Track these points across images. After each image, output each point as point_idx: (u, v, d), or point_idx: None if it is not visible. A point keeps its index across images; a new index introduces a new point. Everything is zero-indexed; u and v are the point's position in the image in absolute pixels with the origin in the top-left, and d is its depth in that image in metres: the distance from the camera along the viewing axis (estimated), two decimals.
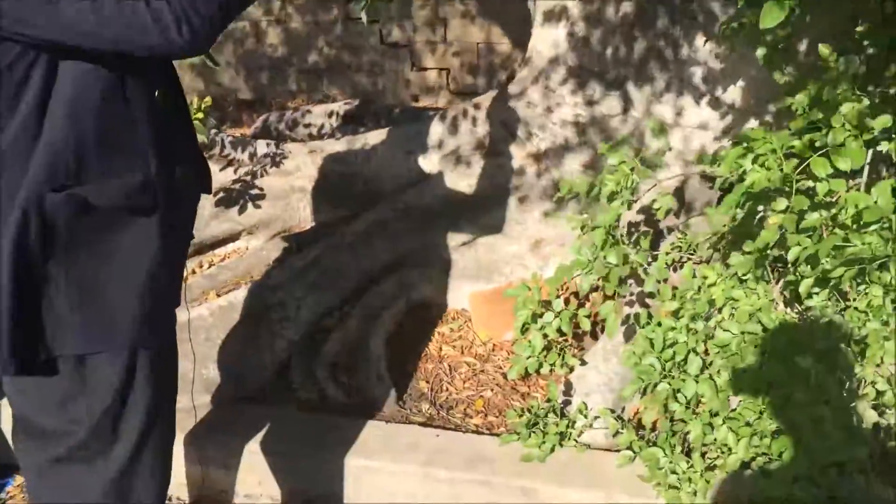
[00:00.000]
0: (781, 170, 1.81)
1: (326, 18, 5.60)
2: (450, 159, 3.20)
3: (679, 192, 2.85)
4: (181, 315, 1.85)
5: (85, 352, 1.44)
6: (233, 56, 5.78)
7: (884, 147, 1.87)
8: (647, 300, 2.62)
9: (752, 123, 2.75)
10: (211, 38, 1.33)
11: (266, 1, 5.64)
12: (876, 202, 1.76)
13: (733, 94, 2.72)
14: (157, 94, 1.45)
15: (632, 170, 2.35)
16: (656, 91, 2.83)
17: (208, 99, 3.23)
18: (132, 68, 1.37)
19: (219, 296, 2.89)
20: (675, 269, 2.61)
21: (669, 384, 2.15)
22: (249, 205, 3.36)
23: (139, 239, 1.43)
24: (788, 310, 2.18)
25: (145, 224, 1.43)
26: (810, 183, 1.89)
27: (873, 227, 1.73)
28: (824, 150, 1.83)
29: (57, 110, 1.30)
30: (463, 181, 3.16)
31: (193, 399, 2.37)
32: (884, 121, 1.80)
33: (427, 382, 2.77)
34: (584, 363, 2.63)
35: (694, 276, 2.40)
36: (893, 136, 1.82)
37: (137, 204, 1.40)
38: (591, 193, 2.46)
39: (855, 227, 1.76)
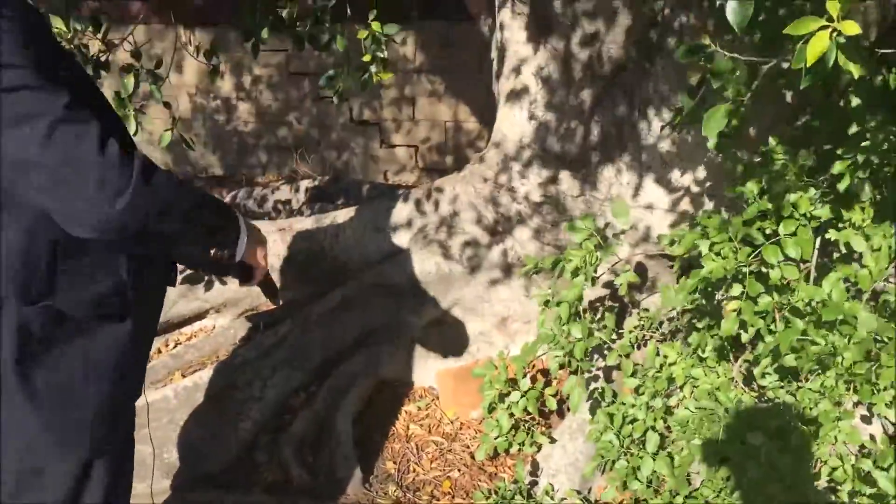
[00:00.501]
0: (736, 257, 1.88)
1: (297, 95, 5.71)
2: (418, 237, 3.25)
3: (641, 268, 2.92)
4: (140, 400, 1.84)
5: (45, 462, 1.43)
6: (204, 132, 5.86)
7: (831, 235, 1.95)
8: (614, 376, 2.66)
9: (708, 203, 2.84)
10: (129, 228, 1.21)
11: (237, 77, 5.75)
12: (829, 295, 1.83)
13: (689, 175, 2.82)
14: None
15: (595, 247, 2.41)
16: (616, 172, 2.92)
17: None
18: None
19: (184, 376, 2.87)
20: (639, 347, 2.65)
21: (628, 461, 2.17)
22: (216, 283, 3.37)
23: (109, 342, 1.44)
24: (747, 388, 2.22)
25: (116, 328, 1.45)
26: (763, 268, 1.96)
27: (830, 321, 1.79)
28: (775, 238, 1.90)
29: (20, 222, 1.28)
30: (430, 259, 3.20)
31: (153, 485, 2.33)
32: (828, 212, 1.89)
33: (394, 463, 2.75)
34: (552, 441, 2.64)
35: (657, 354, 2.44)
36: (839, 224, 1.91)
37: (109, 311, 1.41)
38: (555, 269, 2.52)
39: (809, 313, 1.83)
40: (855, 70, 1.33)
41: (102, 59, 2.92)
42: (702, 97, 2.04)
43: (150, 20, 5.36)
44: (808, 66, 1.32)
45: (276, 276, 3.40)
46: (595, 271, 2.39)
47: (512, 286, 3.12)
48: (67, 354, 1.40)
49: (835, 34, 1.30)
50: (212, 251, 1.37)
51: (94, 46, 3.04)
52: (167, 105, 2.93)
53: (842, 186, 1.89)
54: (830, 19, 1.29)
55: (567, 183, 2.99)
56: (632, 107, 2.83)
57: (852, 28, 1.29)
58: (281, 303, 2.87)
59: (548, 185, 3.02)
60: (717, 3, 2.21)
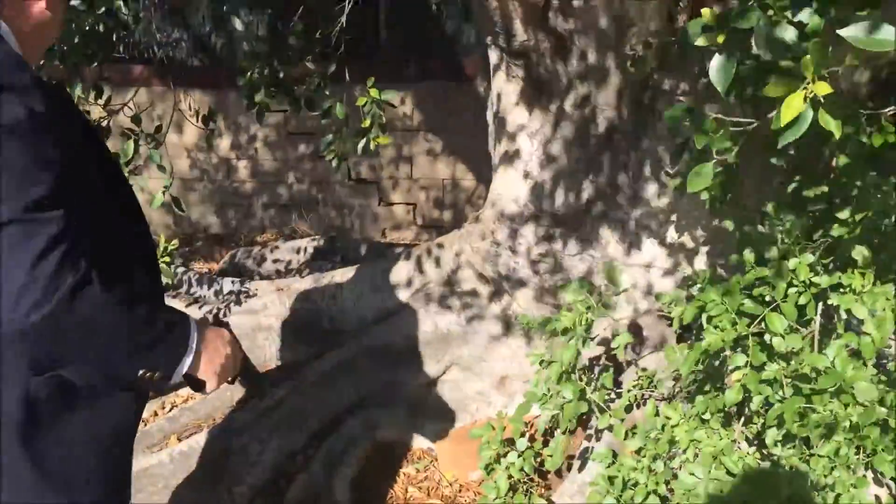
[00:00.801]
0: (735, 328, 1.89)
1: (295, 155, 5.77)
2: (415, 297, 3.25)
3: (639, 327, 2.91)
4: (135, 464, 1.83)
5: None
6: (203, 191, 5.90)
7: (833, 300, 1.95)
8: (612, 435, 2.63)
9: (706, 259, 2.85)
10: (40, 340, 1.19)
11: (236, 137, 5.81)
12: (833, 364, 1.83)
13: (685, 233, 2.83)
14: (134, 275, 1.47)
15: (588, 308, 2.41)
16: (612, 230, 2.93)
17: (175, 242, 3.28)
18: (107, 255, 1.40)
19: (180, 440, 2.84)
20: (638, 406, 2.63)
21: None
22: None
23: (115, 410, 1.44)
24: (751, 450, 2.20)
25: (123, 396, 1.45)
26: (766, 334, 1.96)
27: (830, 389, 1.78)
28: (775, 305, 1.91)
29: None
30: (428, 319, 3.19)
31: None
32: (831, 279, 1.90)
33: None
34: (550, 503, 2.59)
35: (656, 414, 2.42)
36: (840, 290, 1.91)
37: (117, 381, 1.41)
38: (547, 329, 2.52)
39: (814, 380, 1.82)
40: (835, 129, 1.35)
41: (104, 124, 2.97)
42: (692, 157, 2.07)
43: (151, 83, 5.45)
44: (783, 125, 1.34)
45: (273, 338, 3.39)
46: (588, 332, 2.39)
47: (510, 345, 3.10)
48: (74, 423, 1.39)
49: (810, 94, 1.33)
50: (140, 371, 1.32)
51: (96, 111, 3.09)
52: (162, 168, 2.97)
53: (841, 251, 1.90)
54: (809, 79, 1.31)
55: (564, 242, 3.00)
56: (626, 166, 2.86)
57: (824, 89, 1.31)
58: (266, 393, 2.84)
59: (545, 243, 3.03)
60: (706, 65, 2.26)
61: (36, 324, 1.14)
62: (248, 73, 3.31)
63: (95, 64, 2.95)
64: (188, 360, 1.39)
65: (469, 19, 5.52)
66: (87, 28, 2.65)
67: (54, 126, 1.24)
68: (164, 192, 2.77)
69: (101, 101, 2.95)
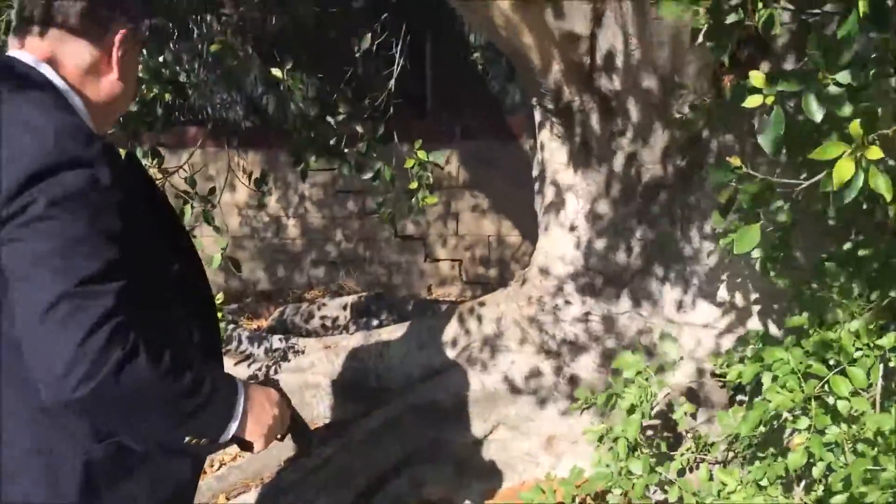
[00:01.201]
0: (802, 389, 1.85)
1: (343, 212, 5.86)
2: (462, 356, 3.24)
3: (692, 392, 2.86)
4: None
5: None
6: (253, 248, 6.01)
7: (894, 362, 1.91)
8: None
9: (759, 319, 2.80)
10: (86, 412, 1.22)
11: (286, 195, 5.93)
12: None
13: (736, 292, 2.79)
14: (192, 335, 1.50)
15: (646, 379, 2.38)
16: (661, 288, 2.91)
17: (220, 295, 3.33)
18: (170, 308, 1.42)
19: (228, 499, 2.85)
20: (691, 470, 2.57)
21: None
22: None
23: (172, 475, 1.45)
24: None
25: (179, 461, 1.46)
26: (828, 397, 1.91)
27: None
28: (840, 368, 1.86)
29: None
30: (475, 377, 3.18)
31: None
32: (891, 341, 1.85)
33: None
34: None
35: (711, 479, 2.36)
36: None
37: (173, 446, 1.41)
38: (609, 404, 2.48)
39: (880, 443, 1.76)
40: (887, 192, 1.33)
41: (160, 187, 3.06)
42: (740, 216, 2.05)
43: (204, 144, 5.61)
44: (835, 190, 1.32)
45: (321, 395, 3.41)
46: (651, 406, 2.36)
47: (558, 405, 3.07)
48: (133, 488, 1.40)
49: (860, 158, 1.32)
50: (186, 438, 1.33)
51: (152, 174, 3.19)
52: (217, 229, 3.04)
53: None
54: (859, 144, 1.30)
55: (612, 300, 2.98)
56: (673, 223, 2.84)
57: (875, 153, 1.30)
58: (313, 447, 2.84)
59: (592, 302, 3.01)
60: (754, 123, 2.26)
61: (81, 398, 1.16)
62: (297, 135, 3.40)
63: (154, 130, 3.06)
64: (234, 425, 1.39)
65: (513, 79, 5.60)
66: (150, 96, 2.76)
67: (118, 197, 1.26)
68: (222, 255, 2.83)
69: (158, 166, 3.05)
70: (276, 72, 3.11)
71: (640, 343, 2.91)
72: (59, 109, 1.32)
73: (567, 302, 3.06)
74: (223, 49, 3.19)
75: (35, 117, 1.26)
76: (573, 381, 3.04)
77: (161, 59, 2.76)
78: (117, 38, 1.40)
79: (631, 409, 2.41)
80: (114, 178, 1.27)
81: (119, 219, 1.26)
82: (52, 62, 1.37)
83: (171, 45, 3.34)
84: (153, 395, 1.24)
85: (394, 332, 3.50)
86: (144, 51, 3.07)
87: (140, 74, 2.75)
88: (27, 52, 1.37)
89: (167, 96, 2.86)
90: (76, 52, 1.38)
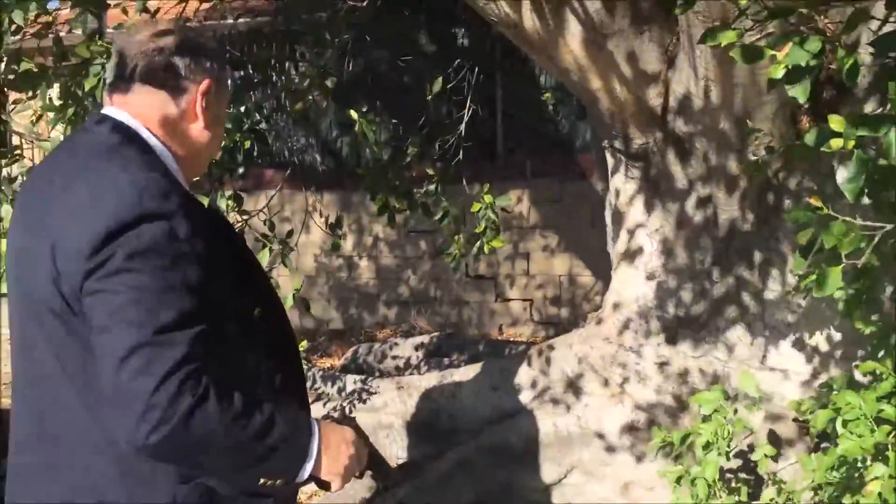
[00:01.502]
0: (873, 435, 1.78)
1: (414, 253, 5.93)
2: (535, 398, 3.23)
3: (773, 435, 2.78)
4: None
5: None
6: (326, 288, 6.13)
7: None
8: None
9: (841, 364, 2.71)
10: (161, 458, 1.27)
11: (359, 236, 6.04)
12: None
13: (817, 336, 2.71)
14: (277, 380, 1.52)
15: (725, 417, 2.33)
16: (739, 333, 2.85)
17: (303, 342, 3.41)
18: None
19: None
20: None
21: None
22: None
23: None
24: None
25: (261, 502, 1.48)
26: None
27: None
28: None
29: None
30: (548, 420, 3.15)
31: None
32: None
33: None
34: None
35: None
36: None
37: (256, 490, 1.44)
38: (685, 443, 2.43)
39: None
40: None
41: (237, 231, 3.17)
42: (821, 259, 2.00)
43: (281, 186, 5.78)
44: None
45: (394, 436, 3.43)
46: (728, 445, 2.30)
47: (633, 449, 3.01)
48: None
49: None
50: (261, 480, 1.35)
51: (233, 218, 3.30)
52: (294, 270, 3.13)
53: None
54: None
55: (688, 344, 2.93)
56: (751, 267, 2.79)
57: None
58: (390, 475, 2.84)
59: (668, 346, 2.97)
60: (833, 165, 2.22)
61: (154, 445, 1.21)
62: (370, 178, 3.48)
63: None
64: (309, 466, 1.39)
65: (584, 117, 5.61)
66: (232, 143, 2.87)
67: (196, 247, 1.31)
68: (294, 296, 2.91)
69: (238, 209, 3.16)
70: (353, 114, 3.19)
71: (723, 386, 2.85)
72: (144, 165, 1.37)
73: (641, 345, 3.02)
74: (299, 95, 3.30)
75: (119, 175, 1.32)
76: (649, 425, 2.99)
77: (243, 108, 2.87)
78: (200, 88, 1.46)
79: (707, 447, 2.35)
80: (193, 229, 1.31)
81: (197, 268, 1.30)
82: (141, 117, 1.44)
83: (252, 93, 3.47)
84: (223, 441, 1.27)
85: (466, 372, 3.51)
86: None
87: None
88: (119, 108, 1.45)
89: (248, 144, 2.97)
90: (162, 106, 1.44)
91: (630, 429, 3.02)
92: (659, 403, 3.00)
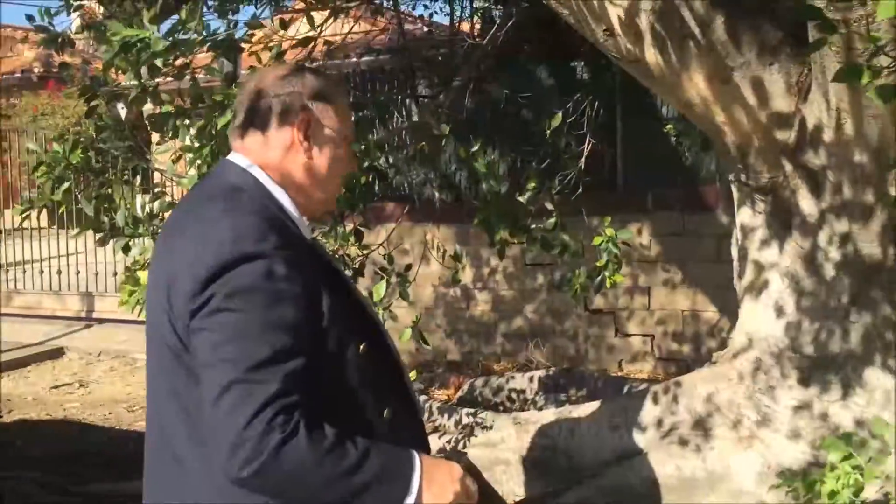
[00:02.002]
0: None
1: (532, 286, 5.90)
2: (657, 439, 3.13)
3: None
4: None
5: None
6: (444, 319, 6.18)
7: None
8: None
9: None
10: (257, 491, 1.30)
11: (476, 268, 6.07)
12: None
13: None
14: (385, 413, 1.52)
15: (855, 468, 2.18)
16: (880, 376, 2.67)
17: (414, 373, 3.44)
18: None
19: None
20: None
21: None
22: None
23: None
24: None
25: None
26: None
27: None
28: None
29: None
30: (671, 462, 3.05)
31: None
32: None
33: None
34: None
35: None
36: None
37: None
38: (811, 490, 2.30)
39: None
40: None
41: (357, 265, 3.25)
42: None
43: (399, 220, 5.90)
44: None
45: (511, 472, 3.40)
46: (857, 496, 2.15)
47: (763, 496, 2.87)
48: None
49: None
50: None
51: (354, 252, 3.40)
52: (412, 304, 3.17)
53: None
54: None
55: (822, 386, 2.77)
56: (893, 306, 2.62)
57: None
58: None
59: (801, 388, 2.82)
60: None
61: (247, 479, 1.26)
62: (487, 212, 3.50)
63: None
64: (410, 500, 1.38)
65: (708, 148, 5.45)
66: (353, 179, 2.96)
67: (295, 286, 1.35)
68: (412, 328, 2.95)
69: (358, 243, 3.25)
70: (463, 152, 3.23)
71: (855, 432, 2.68)
72: (249, 208, 1.41)
73: (772, 386, 2.88)
74: (419, 132, 3.37)
75: (221, 220, 1.38)
76: (778, 470, 2.84)
77: (363, 146, 2.95)
78: (297, 124, 1.50)
79: (832, 496, 2.20)
80: (291, 268, 1.35)
81: (294, 306, 1.34)
82: (256, 157, 1.50)
83: (374, 130, 3.58)
84: (315, 475, 1.29)
85: (585, 409, 3.45)
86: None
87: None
88: (240, 153, 1.53)
89: (367, 180, 3.05)
90: (271, 147, 1.50)
91: (758, 473, 2.88)
92: (788, 448, 2.84)
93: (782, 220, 2.81)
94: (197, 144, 2.93)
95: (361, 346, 1.48)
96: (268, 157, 1.51)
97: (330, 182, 1.59)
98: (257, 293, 1.31)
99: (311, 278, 1.41)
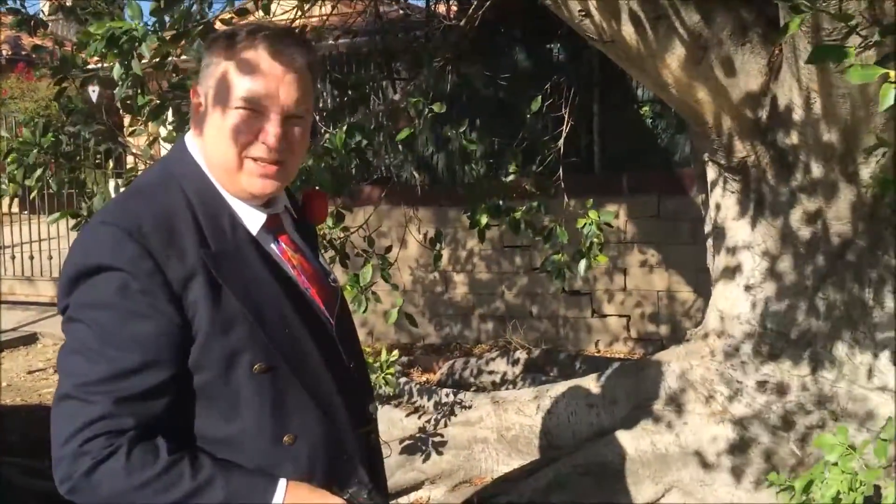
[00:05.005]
0: None
1: (510, 268, 5.93)
2: (632, 415, 3.18)
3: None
4: None
5: None
6: (422, 302, 6.20)
7: None
8: None
9: None
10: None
11: (454, 251, 6.09)
12: None
13: None
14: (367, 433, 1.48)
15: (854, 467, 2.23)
16: (847, 351, 2.73)
17: (395, 353, 3.46)
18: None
19: None
20: None
21: None
22: (433, 454, 3.46)
23: None
24: None
25: None
26: None
27: None
28: None
29: None
30: (646, 438, 3.10)
31: None
32: None
33: None
34: None
35: None
36: None
37: None
38: (807, 491, 2.34)
39: None
40: None
41: (337, 244, 3.26)
42: None
43: (378, 202, 5.90)
44: None
45: (489, 450, 3.44)
46: (861, 498, 2.19)
47: (735, 471, 2.93)
48: None
49: None
50: None
51: (336, 234, 3.40)
52: (395, 287, 3.19)
53: None
54: None
55: (792, 362, 2.83)
56: (862, 284, 2.68)
57: None
58: None
59: (771, 364, 2.88)
60: None
61: (65, 494, 1.25)
62: (468, 195, 3.52)
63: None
64: None
65: (683, 131, 5.51)
66: (336, 164, 2.96)
67: (153, 300, 1.24)
68: (398, 310, 2.97)
69: (339, 225, 3.26)
70: (449, 133, 3.25)
71: (837, 413, 2.73)
72: (143, 210, 1.29)
73: (744, 362, 2.94)
74: (397, 114, 3.37)
75: (92, 227, 1.30)
76: (750, 444, 2.90)
77: (345, 129, 2.95)
78: (193, 100, 1.39)
79: (837, 499, 2.23)
80: (151, 282, 1.24)
81: (153, 322, 1.24)
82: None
83: (354, 113, 3.58)
84: (136, 501, 1.23)
85: (562, 388, 3.49)
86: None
87: (326, 145, 2.96)
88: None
89: (350, 162, 3.06)
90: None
91: (730, 448, 2.94)
92: (759, 423, 2.91)
93: (754, 200, 2.85)
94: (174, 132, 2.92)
95: (257, 366, 1.31)
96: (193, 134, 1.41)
97: (223, 158, 1.34)
98: (107, 308, 1.24)
99: (200, 290, 1.27)
